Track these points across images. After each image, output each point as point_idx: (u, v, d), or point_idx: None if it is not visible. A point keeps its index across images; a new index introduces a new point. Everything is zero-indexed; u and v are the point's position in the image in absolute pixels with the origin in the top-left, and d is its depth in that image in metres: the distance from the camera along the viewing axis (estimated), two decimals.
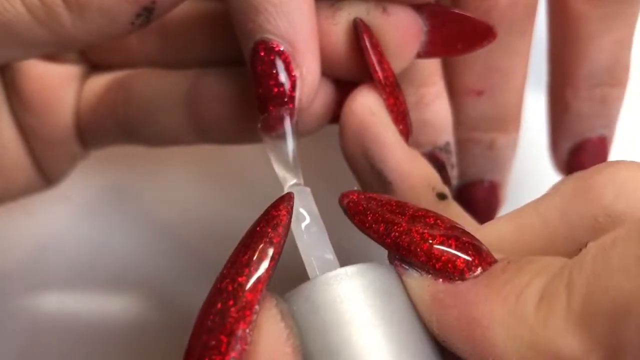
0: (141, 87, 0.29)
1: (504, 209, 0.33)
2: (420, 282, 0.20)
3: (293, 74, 0.24)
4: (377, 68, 0.25)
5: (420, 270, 0.20)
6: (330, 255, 0.22)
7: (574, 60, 0.31)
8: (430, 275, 0.19)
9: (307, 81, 0.24)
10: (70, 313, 0.35)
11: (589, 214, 0.20)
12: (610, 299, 0.16)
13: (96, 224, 0.36)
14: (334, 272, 0.20)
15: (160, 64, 0.29)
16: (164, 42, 0.29)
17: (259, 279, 0.19)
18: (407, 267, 0.20)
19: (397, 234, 0.20)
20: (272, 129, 0.24)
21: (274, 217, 0.20)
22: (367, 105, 0.25)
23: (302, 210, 0.22)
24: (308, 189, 0.23)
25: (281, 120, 0.24)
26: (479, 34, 0.27)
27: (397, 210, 0.21)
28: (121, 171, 0.37)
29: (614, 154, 0.34)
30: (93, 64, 0.30)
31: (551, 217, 0.21)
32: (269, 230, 0.20)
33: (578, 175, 0.21)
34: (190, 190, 0.36)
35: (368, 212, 0.21)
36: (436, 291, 0.19)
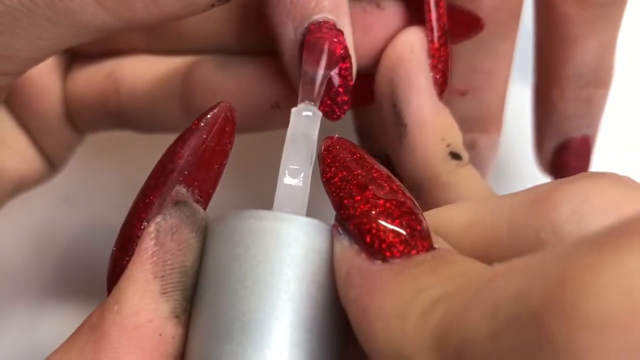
0: (132, 75, 0.29)
1: None
2: (345, 252, 0.19)
3: (348, 49, 0.24)
4: (432, 7, 0.25)
5: (351, 240, 0.19)
6: (301, 190, 0.21)
7: (561, 61, 0.31)
8: (357, 247, 0.18)
9: (354, 65, 0.25)
10: (71, 312, 0.35)
11: (535, 226, 0.18)
12: (459, 338, 0.15)
13: (97, 223, 0.36)
14: (267, 213, 0.19)
15: (145, 52, 0.29)
16: (150, 31, 0.28)
17: (147, 196, 0.21)
18: (341, 232, 0.19)
19: (344, 193, 0.19)
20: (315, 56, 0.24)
21: (188, 131, 0.21)
22: (408, 41, 0.25)
23: (299, 133, 0.22)
24: (319, 113, 0.23)
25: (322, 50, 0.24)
26: (466, 25, 0.27)
27: (358, 164, 0.20)
28: (122, 170, 0.37)
29: (596, 154, 0.34)
30: (73, 53, 0.30)
31: (501, 219, 0.19)
32: (179, 146, 0.21)
33: (552, 181, 0.20)
34: None
35: (336, 160, 0.20)
36: (353, 266, 0.18)
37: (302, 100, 0.23)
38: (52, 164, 0.31)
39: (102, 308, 0.20)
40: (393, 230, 0.18)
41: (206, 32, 0.28)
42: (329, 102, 0.24)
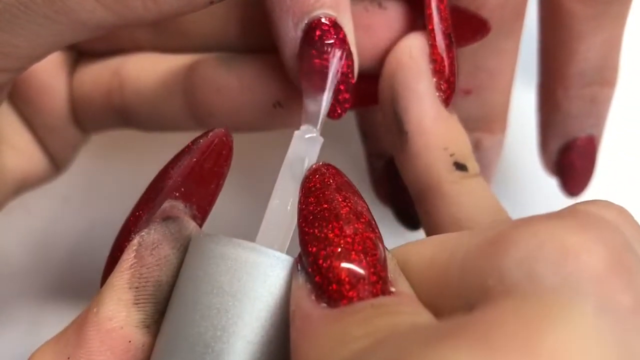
0: (136, 73, 0.28)
1: None
2: (298, 290, 0.18)
3: (349, 47, 0.24)
4: (434, 11, 0.25)
5: (306, 277, 0.18)
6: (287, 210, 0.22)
7: (565, 59, 0.31)
8: (309, 287, 0.18)
9: (356, 63, 0.24)
10: (71, 312, 0.35)
11: (484, 271, 0.17)
12: None
13: (97, 223, 0.36)
14: (240, 242, 0.19)
15: (150, 50, 0.29)
16: (154, 29, 0.28)
17: (137, 213, 0.22)
18: (299, 268, 0.19)
19: (307, 226, 0.19)
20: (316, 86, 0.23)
21: (182, 152, 0.22)
22: (407, 47, 0.25)
23: (297, 156, 0.22)
24: (320, 139, 0.23)
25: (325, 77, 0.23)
26: (472, 28, 0.27)
27: (331, 196, 0.20)
28: (123, 170, 0.37)
29: (602, 154, 0.34)
30: (79, 50, 0.30)
31: (456, 260, 0.18)
32: (170, 166, 0.22)
33: (513, 221, 0.18)
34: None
35: (311, 190, 0.20)
36: (298, 307, 0.18)
37: (305, 124, 0.23)
38: (56, 163, 0.31)
39: (88, 308, 0.21)
40: (348, 271, 0.18)
41: (210, 30, 0.28)
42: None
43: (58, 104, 0.29)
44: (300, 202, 0.20)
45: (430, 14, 0.25)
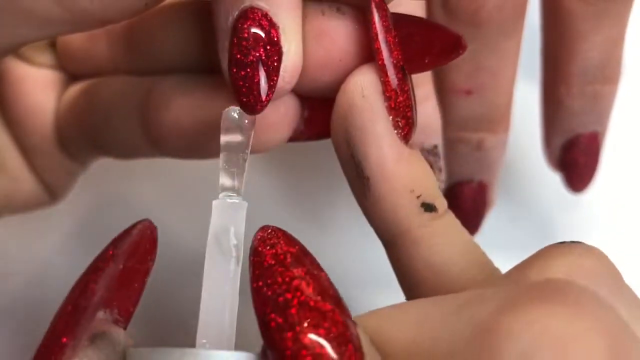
0: (103, 93, 0.28)
1: (497, 209, 0.33)
2: None
3: (280, 48, 0.22)
4: (382, 45, 0.22)
5: None
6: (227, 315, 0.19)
7: (567, 57, 0.31)
8: None
9: (290, 62, 0.22)
10: None
11: None
12: None
13: (96, 231, 0.36)
14: (179, 350, 0.17)
15: (129, 72, 0.28)
16: (130, 48, 0.27)
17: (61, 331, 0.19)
18: None
19: (267, 310, 0.17)
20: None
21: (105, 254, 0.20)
22: (358, 85, 0.22)
23: (222, 228, 0.20)
24: (244, 203, 0.21)
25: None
26: (446, 46, 0.24)
27: (282, 271, 0.18)
28: (120, 178, 0.37)
29: (606, 151, 0.34)
30: (69, 73, 0.29)
31: (440, 351, 0.17)
32: (92, 279, 0.19)
33: (499, 306, 0.16)
34: (191, 196, 0.34)
35: (262, 264, 0.18)
36: None
37: (223, 188, 0.21)
38: (50, 189, 0.30)
39: None
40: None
41: (177, 49, 0.26)
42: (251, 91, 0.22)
43: (45, 126, 0.28)
44: (252, 284, 0.18)
45: (379, 48, 0.22)
